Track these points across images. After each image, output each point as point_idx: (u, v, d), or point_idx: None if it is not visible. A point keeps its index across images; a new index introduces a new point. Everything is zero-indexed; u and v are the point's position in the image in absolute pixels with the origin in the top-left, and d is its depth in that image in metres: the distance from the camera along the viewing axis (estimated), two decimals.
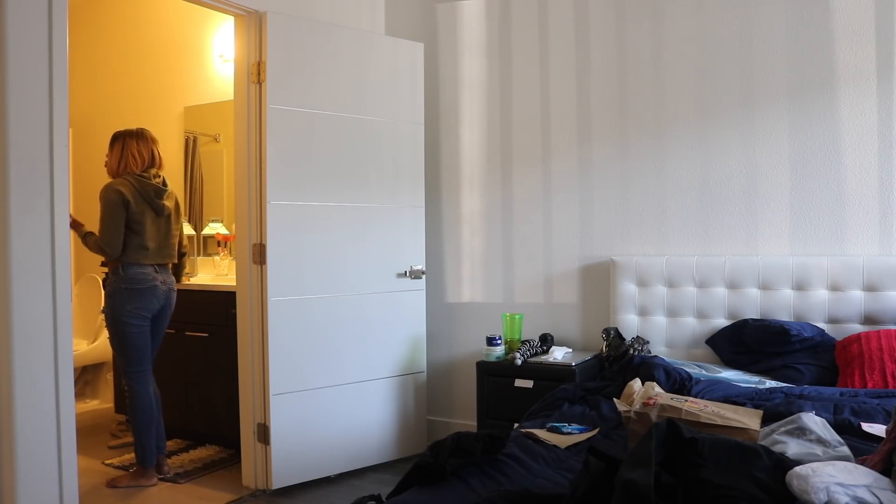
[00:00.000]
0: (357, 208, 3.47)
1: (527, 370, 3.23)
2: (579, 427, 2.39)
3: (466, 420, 3.84)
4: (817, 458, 1.74)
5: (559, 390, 2.82)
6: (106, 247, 3.23)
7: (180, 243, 3.59)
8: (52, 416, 2.36)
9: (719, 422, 1.94)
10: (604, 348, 3.21)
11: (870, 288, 2.98)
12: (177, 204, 3.52)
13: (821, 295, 3.05)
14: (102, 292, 4.43)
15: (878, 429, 2.07)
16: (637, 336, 3.30)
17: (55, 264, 2.38)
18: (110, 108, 4.99)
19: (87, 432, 4.04)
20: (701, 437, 1.52)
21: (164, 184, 3.43)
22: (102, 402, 4.67)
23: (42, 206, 2.35)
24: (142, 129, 3.44)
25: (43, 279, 2.35)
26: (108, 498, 3.23)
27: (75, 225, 3.24)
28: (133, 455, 3.55)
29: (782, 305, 3.11)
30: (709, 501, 1.38)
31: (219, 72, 4.41)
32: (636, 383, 2.28)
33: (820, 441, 1.86)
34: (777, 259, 3.15)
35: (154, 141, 3.45)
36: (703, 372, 2.92)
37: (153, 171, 3.40)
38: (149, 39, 4.77)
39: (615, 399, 2.31)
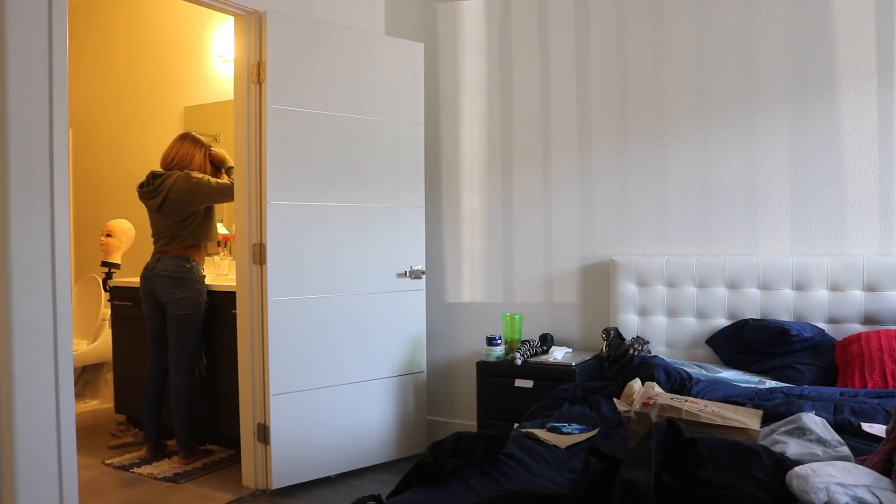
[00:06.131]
0: (357, 208, 3.47)
1: (527, 370, 3.23)
2: (579, 427, 2.39)
3: (466, 420, 3.84)
4: (817, 458, 1.74)
5: (559, 390, 2.82)
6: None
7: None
8: (52, 416, 2.36)
9: (719, 422, 1.94)
10: (604, 348, 3.21)
11: (870, 288, 2.98)
12: None
13: (821, 295, 3.05)
14: (103, 292, 4.47)
15: (878, 429, 2.07)
16: (637, 336, 3.30)
17: (55, 264, 2.37)
18: (111, 108, 4.99)
19: (87, 432, 4.04)
20: (701, 437, 1.52)
21: None
22: (102, 402, 4.67)
23: (42, 206, 2.35)
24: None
25: (43, 279, 2.35)
26: (108, 498, 3.24)
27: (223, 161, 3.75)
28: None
29: (782, 305, 3.11)
30: (709, 501, 1.38)
31: (219, 72, 4.41)
32: (636, 383, 2.28)
33: (820, 441, 1.86)
34: (777, 259, 3.14)
35: None
36: (703, 372, 2.92)
37: None
38: (149, 39, 4.77)
39: (615, 399, 2.30)
